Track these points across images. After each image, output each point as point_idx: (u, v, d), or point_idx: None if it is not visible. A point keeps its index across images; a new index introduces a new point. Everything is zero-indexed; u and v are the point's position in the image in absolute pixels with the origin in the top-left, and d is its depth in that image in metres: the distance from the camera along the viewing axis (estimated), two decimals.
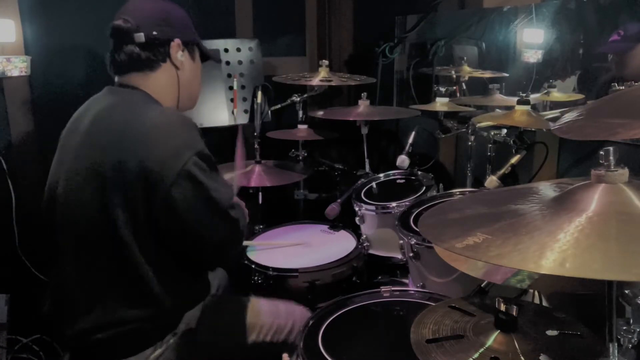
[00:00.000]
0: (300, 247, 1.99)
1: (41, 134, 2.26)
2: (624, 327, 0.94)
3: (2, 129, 2.20)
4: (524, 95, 1.64)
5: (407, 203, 1.86)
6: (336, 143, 2.68)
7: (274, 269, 1.79)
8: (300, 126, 2.45)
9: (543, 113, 1.85)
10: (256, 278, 1.82)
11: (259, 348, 1.48)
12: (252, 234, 2.12)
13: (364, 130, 2.26)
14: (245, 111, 2.53)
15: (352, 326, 1.33)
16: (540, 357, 0.89)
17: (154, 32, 1.37)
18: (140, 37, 1.35)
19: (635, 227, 0.72)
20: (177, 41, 1.42)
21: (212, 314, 1.44)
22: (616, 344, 0.81)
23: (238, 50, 2.52)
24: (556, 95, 1.88)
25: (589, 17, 1.83)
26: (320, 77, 2.27)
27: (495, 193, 1.27)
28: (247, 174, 2.17)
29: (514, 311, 0.94)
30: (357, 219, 1.99)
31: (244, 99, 2.54)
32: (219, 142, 2.57)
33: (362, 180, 2.17)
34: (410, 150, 2.06)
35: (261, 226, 2.22)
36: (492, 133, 1.83)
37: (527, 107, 1.60)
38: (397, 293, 1.46)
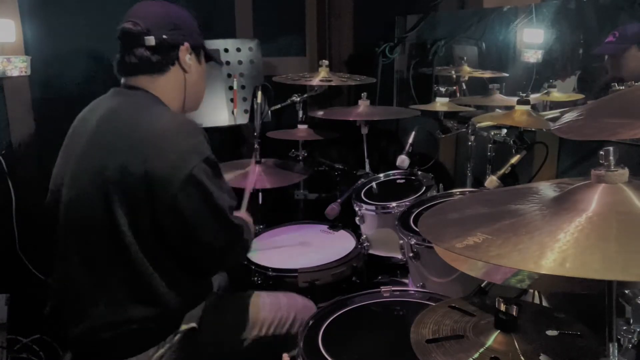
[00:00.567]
0: (300, 247, 1.99)
1: (41, 134, 2.25)
2: (624, 327, 0.94)
3: (2, 129, 2.20)
4: (524, 95, 1.65)
5: (407, 203, 1.86)
6: (336, 143, 2.67)
7: (274, 270, 1.79)
8: (300, 126, 2.44)
9: (543, 113, 1.85)
10: (256, 278, 1.82)
11: (261, 342, 1.49)
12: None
13: (364, 130, 2.26)
14: (245, 111, 2.53)
15: (352, 326, 1.33)
16: (540, 357, 0.89)
17: (164, 36, 1.38)
18: (151, 40, 1.36)
19: (635, 227, 0.72)
20: (186, 45, 1.43)
21: (214, 313, 1.45)
22: (616, 344, 0.81)
23: (238, 50, 2.52)
24: (556, 95, 1.88)
25: (589, 17, 1.84)
26: (320, 77, 2.26)
27: (495, 193, 1.27)
28: (247, 174, 2.17)
29: (514, 311, 0.94)
30: (357, 219, 1.99)
31: (244, 99, 2.54)
32: (219, 142, 2.59)
33: (362, 180, 2.17)
34: (410, 150, 2.06)
35: (261, 226, 2.22)
36: (492, 133, 1.83)
37: (527, 107, 1.60)
38: (397, 293, 1.46)
